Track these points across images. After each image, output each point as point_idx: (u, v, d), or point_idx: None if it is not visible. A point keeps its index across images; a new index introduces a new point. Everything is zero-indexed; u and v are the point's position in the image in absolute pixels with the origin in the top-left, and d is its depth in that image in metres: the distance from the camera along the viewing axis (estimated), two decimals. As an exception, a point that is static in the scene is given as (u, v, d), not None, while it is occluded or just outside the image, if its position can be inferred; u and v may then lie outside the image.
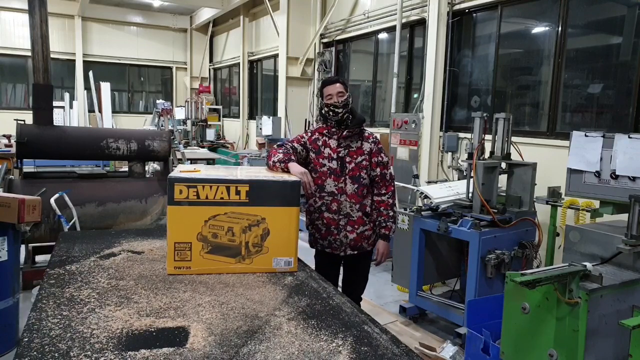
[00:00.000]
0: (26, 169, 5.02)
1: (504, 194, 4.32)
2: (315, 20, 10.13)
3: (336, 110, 2.92)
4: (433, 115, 6.80)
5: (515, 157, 4.31)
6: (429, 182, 5.93)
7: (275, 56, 11.60)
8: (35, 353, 1.49)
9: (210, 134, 12.87)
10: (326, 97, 2.94)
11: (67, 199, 4.16)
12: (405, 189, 6.13)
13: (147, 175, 5.43)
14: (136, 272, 2.28)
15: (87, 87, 14.65)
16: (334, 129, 2.97)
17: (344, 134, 2.96)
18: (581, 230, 3.00)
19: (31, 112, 4.71)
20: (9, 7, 14.29)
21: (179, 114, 13.76)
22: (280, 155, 2.71)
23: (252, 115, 13.71)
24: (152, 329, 1.69)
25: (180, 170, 2.40)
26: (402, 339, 1.78)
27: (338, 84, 2.95)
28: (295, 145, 2.94)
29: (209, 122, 13.29)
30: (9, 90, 15.26)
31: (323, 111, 2.98)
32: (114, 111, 14.86)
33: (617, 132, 3.09)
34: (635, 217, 2.67)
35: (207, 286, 2.13)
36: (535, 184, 4.18)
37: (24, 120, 4.85)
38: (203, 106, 13.24)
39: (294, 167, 2.66)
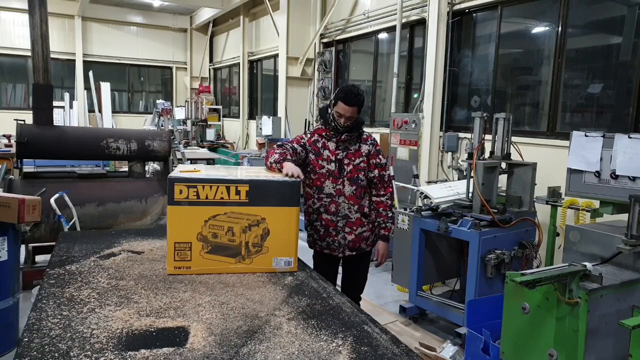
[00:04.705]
0: (26, 169, 5.02)
1: (504, 194, 4.32)
2: (315, 20, 10.13)
3: (338, 128, 2.93)
4: (433, 115, 6.79)
5: (515, 157, 4.31)
6: (429, 182, 5.93)
7: (275, 56, 11.60)
8: (35, 353, 1.49)
9: (210, 134, 12.86)
10: (337, 110, 2.89)
11: (67, 199, 4.16)
12: (405, 189, 6.13)
13: (147, 175, 5.43)
14: (136, 272, 2.28)
15: (87, 87, 14.65)
16: (332, 132, 2.97)
17: (343, 137, 2.96)
18: (581, 230, 3.00)
19: (31, 112, 4.71)
20: (9, 7, 14.28)
21: (179, 114, 13.75)
22: (276, 156, 2.70)
23: (252, 115, 13.71)
24: (152, 329, 1.69)
25: (180, 170, 2.40)
26: (402, 339, 1.78)
27: (354, 108, 2.86)
28: (295, 145, 2.94)
29: (209, 122, 13.28)
30: (9, 90, 15.26)
31: (329, 117, 2.96)
32: (114, 111, 14.85)
33: (617, 132, 3.09)
34: (635, 217, 2.67)
35: (207, 286, 2.13)
36: (535, 184, 4.18)
37: (24, 120, 4.85)
38: (203, 106, 13.23)
39: (288, 166, 2.63)
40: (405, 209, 4.45)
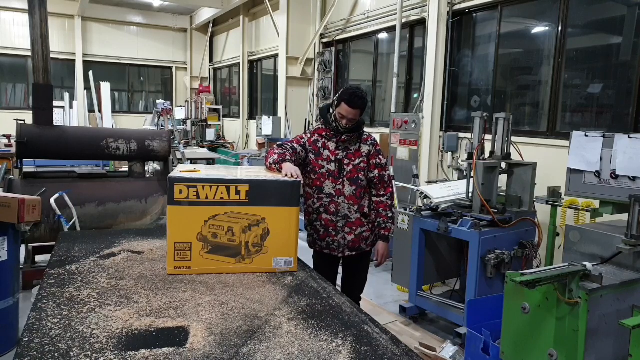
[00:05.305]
0: (26, 169, 5.02)
1: (504, 194, 4.32)
2: (315, 20, 10.13)
3: (340, 128, 2.92)
4: (433, 115, 6.80)
5: (515, 157, 4.31)
6: (429, 182, 5.93)
7: (275, 56, 11.60)
8: (35, 353, 1.49)
9: (210, 134, 12.86)
10: (339, 112, 2.88)
11: (67, 199, 4.16)
12: (405, 189, 6.13)
13: (147, 175, 5.43)
14: (136, 272, 2.28)
15: (87, 87, 14.64)
16: (333, 132, 2.97)
17: (343, 137, 2.96)
18: (581, 230, 3.00)
19: (31, 112, 4.71)
20: (9, 7, 14.28)
21: (179, 114, 13.75)
22: (275, 157, 2.70)
23: (252, 115, 13.71)
24: (152, 329, 1.69)
25: (180, 170, 2.40)
26: (402, 339, 1.78)
27: (358, 111, 2.86)
28: (295, 145, 2.93)
29: (209, 122, 13.28)
30: (9, 90, 15.25)
31: (330, 117, 2.95)
32: (114, 111, 14.85)
33: (617, 132, 3.09)
34: (635, 217, 2.67)
35: (207, 286, 2.13)
36: (535, 184, 4.18)
37: (24, 120, 4.85)
38: (203, 106, 13.23)
39: (287, 166, 2.64)
40: (405, 209, 4.45)
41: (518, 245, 4.03)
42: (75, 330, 1.65)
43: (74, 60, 15.39)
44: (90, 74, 14.21)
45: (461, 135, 6.59)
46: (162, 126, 12.22)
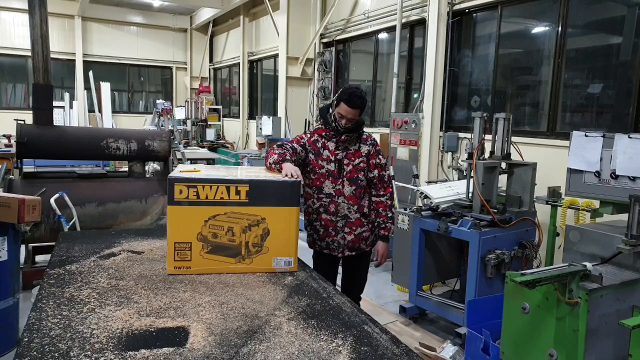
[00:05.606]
0: (26, 169, 5.02)
1: (504, 194, 4.32)
2: (315, 20, 10.13)
3: (339, 128, 2.92)
4: (433, 115, 6.80)
5: (515, 157, 4.31)
6: (429, 182, 5.93)
7: (275, 56, 11.60)
8: (35, 353, 1.49)
9: (210, 134, 12.87)
10: (338, 111, 2.88)
11: (67, 199, 4.16)
12: (405, 188, 6.13)
13: (147, 175, 5.44)
14: (136, 272, 2.28)
15: (87, 87, 14.65)
16: (332, 132, 2.97)
17: (342, 137, 2.96)
18: (581, 230, 3.00)
19: (31, 112, 4.72)
20: (9, 7, 14.28)
21: (179, 114, 13.76)
22: (275, 157, 2.70)
23: (252, 115, 13.71)
24: (152, 329, 1.69)
25: (180, 170, 2.40)
26: (402, 339, 1.78)
27: (357, 110, 2.86)
28: (295, 145, 2.93)
29: (209, 122, 13.28)
30: (9, 90, 15.26)
31: (330, 117, 2.96)
32: (114, 111, 14.85)
33: (617, 132, 3.09)
34: (635, 217, 2.67)
35: (207, 286, 2.13)
36: (535, 184, 4.18)
37: (24, 120, 4.85)
38: (203, 106, 13.24)
39: (287, 166, 2.64)
40: (405, 209, 4.45)
41: (518, 245, 4.04)
42: (75, 330, 1.65)
43: (74, 60, 15.39)
44: (90, 74, 14.22)
45: (461, 135, 6.59)
46: (162, 126, 12.22)
